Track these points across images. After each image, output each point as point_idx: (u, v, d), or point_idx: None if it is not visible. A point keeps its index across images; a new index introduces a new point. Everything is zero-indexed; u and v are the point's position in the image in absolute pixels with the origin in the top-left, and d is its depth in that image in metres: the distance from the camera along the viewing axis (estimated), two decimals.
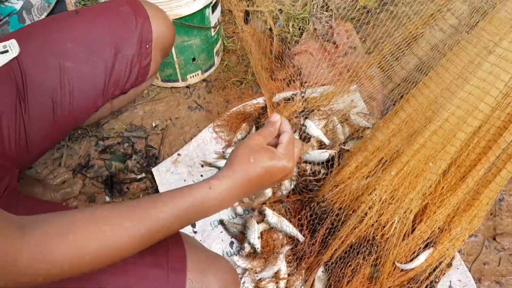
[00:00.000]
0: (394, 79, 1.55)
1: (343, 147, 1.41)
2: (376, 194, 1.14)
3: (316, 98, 1.55)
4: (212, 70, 1.70)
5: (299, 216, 1.27)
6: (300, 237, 1.24)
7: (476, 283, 1.24)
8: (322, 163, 1.39)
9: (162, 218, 0.70)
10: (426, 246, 1.17)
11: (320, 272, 1.18)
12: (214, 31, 1.57)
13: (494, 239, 1.32)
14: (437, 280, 1.20)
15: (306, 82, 1.61)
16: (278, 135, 0.83)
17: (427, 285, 1.18)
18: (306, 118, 1.47)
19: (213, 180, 0.74)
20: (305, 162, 1.41)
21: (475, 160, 1.11)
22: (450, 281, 1.25)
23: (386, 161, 1.15)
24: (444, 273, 1.22)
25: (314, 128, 1.45)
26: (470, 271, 1.26)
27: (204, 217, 0.76)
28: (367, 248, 1.15)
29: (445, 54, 1.14)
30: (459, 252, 1.29)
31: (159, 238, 0.72)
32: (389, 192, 1.14)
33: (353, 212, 1.18)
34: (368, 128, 1.48)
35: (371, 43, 1.60)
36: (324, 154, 1.40)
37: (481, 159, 1.09)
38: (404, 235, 1.16)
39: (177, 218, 0.72)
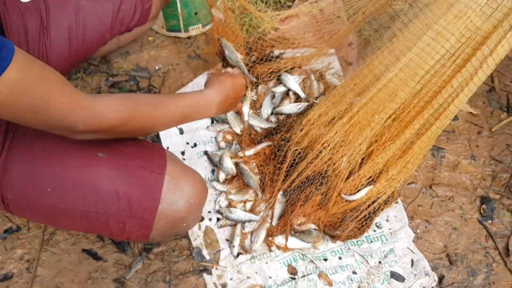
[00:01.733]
0: (370, 46, 1.78)
1: (315, 101, 1.65)
2: (330, 137, 1.39)
3: (298, 58, 1.78)
4: (211, 25, 1.92)
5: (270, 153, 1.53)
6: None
7: (408, 219, 1.51)
8: (297, 114, 1.64)
9: (176, 107, 1.09)
10: (367, 184, 1.43)
11: (279, 196, 1.45)
12: None
13: (431, 187, 1.58)
14: (376, 212, 1.47)
15: (293, 44, 1.84)
16: None
17: (365, 215, 1.45)
18: (286, 71, 1.71)
19: (203, 91, 1.21)
20: (282, 114, 1.66)
21: (414, 117, 1.36)
22: (387, 216, 1.52)
23: (341, 111, 1.40)
24: (383, 209, 1.49)
25: (293, 81, 1.69)
26: (405, 210, 1.53)
27: (200, 116, 1.18)
28: (319, 180, 1.42)
29: (400, 25, 1.37)
30: (399, 195, 1.56)
31: (173, 123, 1.13)
32: (342, 136, 1.40)
33: (311, 151, 1.44)
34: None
35: (353, 12, 1.83)
36: (299, 107, 1.65)
37: (418, 116, 1.34)
38: (351, 173, 1.43)
39: (184, 110, 1.11)
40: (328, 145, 1.40)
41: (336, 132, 1.39)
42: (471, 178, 1.61)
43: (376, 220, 1.50)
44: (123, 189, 1.06)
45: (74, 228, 1.31)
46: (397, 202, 1.54)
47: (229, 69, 1.46)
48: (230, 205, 1.49)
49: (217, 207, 1.49)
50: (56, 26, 1.26)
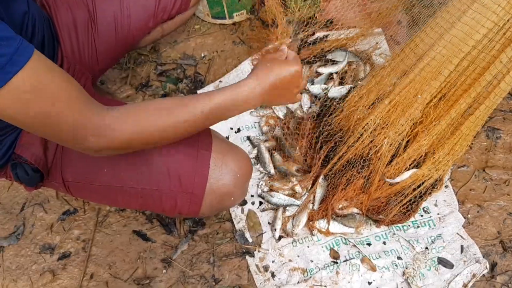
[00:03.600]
0: (419, 24, 1.69)
1: (359, 82, 1.61)
2: (371, 119, 1.35)
3: (342, 39, 1.74)
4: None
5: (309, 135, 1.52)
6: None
7: (459, 204, 1.44)
8: (341, 98, 1.61)
9: (202, 109, 0.94)
10: (412, 167, 1.38)
11: (321, 180, 1.44)
12: None
13: (484, 170, 1.49)
14: (422, 197, 1.42)
15: (337, 25, 1.80)
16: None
17: (411, 199, 1.40)
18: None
19: (240, 82, 1.00)
20: (328, 98, 1.63)
21: (460, 96, 1.29)
22: (436, 200, 1.46)
23: (383, 93, 1.35)
24: (431, 193, 1.43)
25: (341, 53, 1.66)
26: (456, 195, 1.46)
27: (235, 113, 1.01)
28: (360, 164, 1.39)
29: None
30: (449, 179, 1.48)
31: (201, 126, 0.97)
32: (383, 118, 1.35)
33: (352, 134, 1.41)
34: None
35: None
36: (342, 90, 1.61)
37: (464, 94, 1.26)
38: (395, 156, 1.38)
39: (213, 110, 0.95)
40: (369, 127, 1.36)
41: (377, 114, 1.34)
42: None
43: (424, 204, 1.45)
44: (173, 167, 1.11)
45: (129, 206, 1.40)
46: (447, 186, 1.47)
47: (283, 48, 1.13)
48: (271, 189, 1.50)
49: (259, 191, 1.51)
50: (103, 18, 1.32)
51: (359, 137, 1.38)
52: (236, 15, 1.88)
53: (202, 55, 1.86)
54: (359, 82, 1.62)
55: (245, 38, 1.88)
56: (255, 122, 1.67)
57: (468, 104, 1.26)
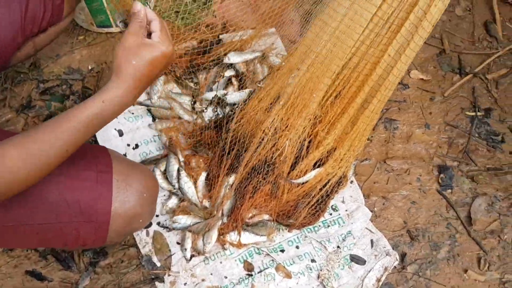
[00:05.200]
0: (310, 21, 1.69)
1: (258, 85, 1.57)
2: (270, 122, 1.31)
3: (237, 41, 1.69)
4: None
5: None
6: None
7: (365, 198, 1.45)
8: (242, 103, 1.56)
9: (68, 135, 0.85)
10: (316, 166, 1.36)
11: (227, 190, 1.37)
12: None
13: (385, 161, 1.52)
14: (329, 195, 1.41)
15: (232, 26, 1.74)
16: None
17: (318, 199, 1.38)
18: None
19: (104, 94, 0.86)
20: (227, 104, 1.57)
21: (355, 92, 1.29)
22: (343, 197, 1.45)
23: (278, 94, 1.32)
24: (337, 191, 1.43)
25: (238, 55, 1.60)
26: (361, 189, 1.47)
27: (106, 124, 0.90)
28: (265, 169, 1.34)
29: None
30: (354, 174, 1.49)
31: (72, 148, 0.87)
32: (283, 120, 1.32)
33: (254, 139, 1.36)
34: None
35: None
36: (242, 94, 1.56)
37: (359, 90, 1.26)
38: (298, 157, 1.35)
39: (80, 132, 0.86)
40: (269, 130, 1.32)
41: (275, 117, 1.30)
42: (426, 147, 1.55)
43: (332, 202, 1.44)
44: (71, 195, 1.01)
45: (25, 245, 1.27)
46: (352, 182, 1.48)
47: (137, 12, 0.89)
48: (174, 213, 1.41)
49: (162, 220, 1.40)
50: None
51: (260, 142, 1.33)
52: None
53: (90, 67, 1.71)
54: (258, 85, 1.57)
55: None
56: (154, 136, 1.56)
57: (363, 99, 1.27)
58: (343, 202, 1.45)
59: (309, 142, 1.36)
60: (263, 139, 1.32)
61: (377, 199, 1.46)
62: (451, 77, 1.67)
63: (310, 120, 1.30)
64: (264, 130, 1.31)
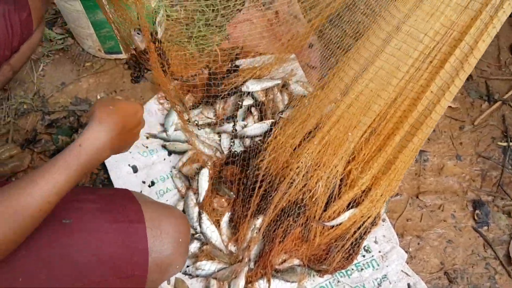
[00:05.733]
0: (331, 47, 1.61)
1: (281, 115, 1.48)
2: (302, 162, 1.22)
3: (256, 68, 1.60)
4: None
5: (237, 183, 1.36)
6: None
7: (399, 237, 1.37)
8: (262, 135, 1.47)
9: (47, 193, 0.77)
10: (350, 206, 1.27)
11: (255, 234, 1.28)
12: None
13: (417, 197, 1.44)
14: (363, 237, 1.32)
15: (247, 52, 1.65)
16: None
17: (352, 242, 1.29)
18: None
19: (82, 137, 0.82)
20: (247, 137, 1.48)
21: (392, 129, 1.20)
22: (376, 237, 1.37)
23: (310, 132, 1.23)
24: (370, 231, 1.34)
25: (257, 83, 1.52)
26: (394, 227, 1.38)
27: (89, 171, 0.87)
28: (296, 211, 1.25)
29: (362, 29, 1.21)
30: (386, 211, 1.40)
31: (54, 202, 0.78)
32: (314, 159, 1.23)
33: (283, 179, 1.27)
34: (305, 96, 1.55)
35: (312, 12, 1.65)
36: (263, 126, 1.47)
37: (398, 128, 1.18)
38: (331, 197, 1.26)
39: (61, 183, 0.78)
40: (301, 171, 1.23)
41: (307, 156, 1.22)
42: (459, 180, 1.47)
43: (364, 243, 1.35)
44: (103, 252, 0.92)
45: None
46: (384, 220, 1.39)
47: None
48: (197, 258, 1.31)
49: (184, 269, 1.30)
50: None
51: (291, 183, 1.24)
52: (133, 49, 1.65)
53: (98, 97, 1.61)
54: (280, 115, 1.49)
55: (147, 73, 1.66)
56: (171, 171, 1.46)
57: (402, 137, 1.18)
58: (376, 242, 1.36)
59: (341, 180, 1.28)
60: (294, 180, 1.23)
61: (411, 238, 1.38)
62: (480, 104, 1.60)
63: (343, 157, 1.22)
64: (295, 170, 1.23)
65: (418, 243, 1.37)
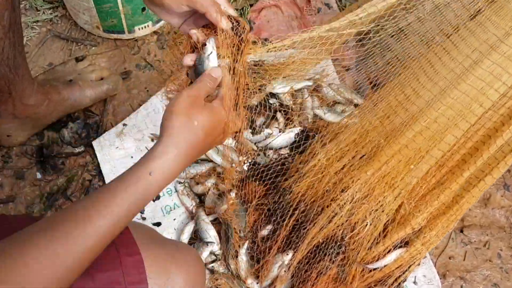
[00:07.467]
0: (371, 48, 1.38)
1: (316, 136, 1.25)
2: (349, 193, 1.02)
3: (283, 63, 1.37)
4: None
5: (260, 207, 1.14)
6: None
7: (440, 278, 1.20)
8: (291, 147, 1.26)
9: (106, 226, 0.61)
10: (397, 247, 1.09)
11: (283, 272, 1.08)
12: None
13: (462, 231, 1.27)
14: (402, 276, 1.14)
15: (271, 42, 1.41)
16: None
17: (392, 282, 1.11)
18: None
19: (153, 162, 0.63)
20: (270, 148, 1.26)
21: (459, 162, 1.01)
22: (415, 277, 1.20)
23: (362, 156, 1.02)
24: (411, 271, 1.16)
25: (284, 83, 1.30)
26: (435, 266, 1.21)
27: (148, 202, 0.68)
28: (334, 249, 1.05)
29: (437, 41, 0.99)
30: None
31: (109, 240, 0.64)
32: (364, 192, 1.03)
33: (321, 209, 1.06)
34: (340, 103, 1.34)
35: None
36: (290, 134, 1.25)
37: (467, 161, 0.99)
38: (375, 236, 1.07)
39: (120, 220, 0.63)
40: (345, 203, 1.03)
41: (356, 188, 1.01)
42: (506, 214, 1.30)
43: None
44: None
45: None
46: (425, 257, 1.21)
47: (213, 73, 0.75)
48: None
49: None
50: None
51: (333, 216, 1.04)
52: (139, 29, 1.38)
53: None
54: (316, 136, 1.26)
55: (153, 59, 1.41)
56: (178, 183, 1.23)
57: (471, 173, 0.99)
58: (415, 283, 1.19)
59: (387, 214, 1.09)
60: (336, 213, 1.03)
61: (454, 279, 1.21)
62: None
63: (400, 193, 1.02)
64: (339, 203, 1.02)
65: (461, 286, 1.20)
